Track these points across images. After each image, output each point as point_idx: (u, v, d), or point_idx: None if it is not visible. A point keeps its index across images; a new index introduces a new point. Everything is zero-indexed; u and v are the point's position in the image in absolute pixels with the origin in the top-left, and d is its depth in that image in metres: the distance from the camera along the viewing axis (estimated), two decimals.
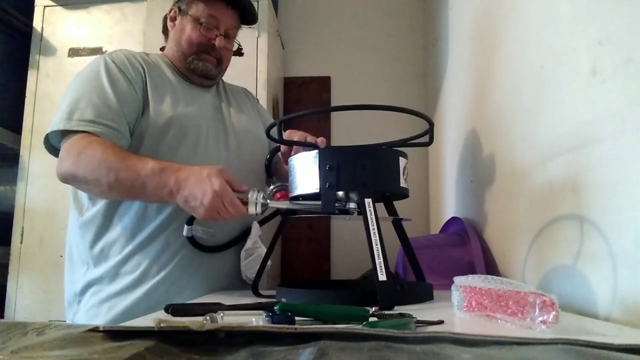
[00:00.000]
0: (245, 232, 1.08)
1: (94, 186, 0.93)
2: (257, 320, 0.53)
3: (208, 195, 0.83)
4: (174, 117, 1.03)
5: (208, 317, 0.53)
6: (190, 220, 0.95)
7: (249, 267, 1.05)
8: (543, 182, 0.87)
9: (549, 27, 0.86)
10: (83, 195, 1.04)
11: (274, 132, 0.90)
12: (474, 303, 0.59)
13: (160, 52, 1.19)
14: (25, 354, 0.33)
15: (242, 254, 1.06)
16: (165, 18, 1.17)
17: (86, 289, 1.00)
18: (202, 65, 1.11)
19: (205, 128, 1.08)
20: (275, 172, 1.19)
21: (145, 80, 1.05)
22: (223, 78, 1.26)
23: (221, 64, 1.15)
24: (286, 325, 0.40)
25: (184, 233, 0.96)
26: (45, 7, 2.07)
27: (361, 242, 0.74)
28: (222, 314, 0.56)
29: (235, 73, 1.48)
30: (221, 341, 0.37)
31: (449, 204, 1.71)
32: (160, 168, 0.89)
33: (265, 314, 0.55)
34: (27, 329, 0.41)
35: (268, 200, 0.87)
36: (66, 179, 0.95)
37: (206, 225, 0.98)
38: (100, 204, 1.01)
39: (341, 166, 0.77)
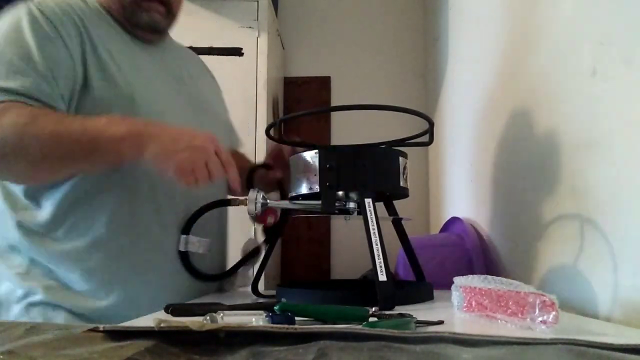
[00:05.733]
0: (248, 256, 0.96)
1: (16, 158, 0.70)
2: (257, 320, 0.53)
3: (200, 137, 0.72)
4: (133, 93, 0.81)
5: (208, 317, 0.53)
6: (187, 228, 0.84)
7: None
8: (543, 182, 0.87)
9: (549, 27, 0.86)
10: (18, 190, 0.80)
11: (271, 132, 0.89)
12: (474, 303, 0.59)
13: None
14: (25, 354, 0.33)
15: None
16: None
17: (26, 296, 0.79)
18: (146, 17, 0.87)
19: (172, 107, 0.88)
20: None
21: (85, 40, 0.80)
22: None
23: (171, 10, 0.91)
24: (286, 325, 0.40)
25: (180, 247, 0.83)
26: None
27: (361, 242, 0.74)
28: (222, 314, 0.56)
29: (235, 73, 1.49)
30: (221, 341, 0.37)
31: (449, 204, 1.71)
32: (120, 118, 0.72)
33: (265, 314, 0.55)
34: (27, 329, 0.41)
35: (268, 200, 0.86)
36: None
37: (202, 234, 0.88)
38: (49, 206, 0.78)
39: (341, 166, 0.77)
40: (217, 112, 1.01)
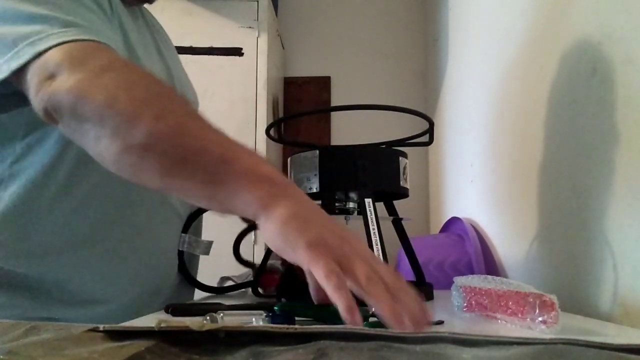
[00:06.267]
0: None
1: (115, 128, 0.46)
2: (257, 320, 0.53)
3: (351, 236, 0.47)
4: None
5: (208, 317, 0.53)
6: (186, 227, 0.78)
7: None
8: (543, 182, 0.87)
9: (549, 27, 0.86)
10: None
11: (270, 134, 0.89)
12: (474, 303, 0.59)
13: None
14: (25, 354, 0.33)
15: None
16: None
17: None
18: None
19: None
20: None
21: (116, 24, 0.68)
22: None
23: None
24: (286, 325, 0.40)
25: (181, 247, 0.77)
26: None
27: None
28: (222, 314, 0.56)
29: (236, 73, 1.48)
30: (221, 341, 0.37)
31: (449, 204, 1.71)
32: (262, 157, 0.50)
33: (265, 314, 0.55)
34: (27, 328, 0.41)
35: None
36: (57, 105, 0.48)
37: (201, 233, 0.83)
38: (14, 186, 0.62)
39: (341, 166, 0.77)
40: (191, 88, 0.91)
